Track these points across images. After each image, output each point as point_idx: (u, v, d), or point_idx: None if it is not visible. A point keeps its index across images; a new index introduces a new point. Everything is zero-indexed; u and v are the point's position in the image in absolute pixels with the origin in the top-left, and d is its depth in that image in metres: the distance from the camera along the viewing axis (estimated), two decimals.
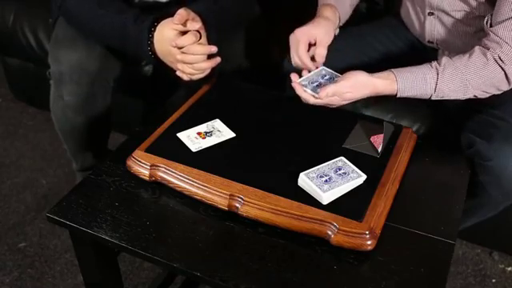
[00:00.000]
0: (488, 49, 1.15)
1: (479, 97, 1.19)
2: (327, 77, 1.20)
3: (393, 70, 1.17)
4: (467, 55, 1.16)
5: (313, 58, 1.22)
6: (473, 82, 1.15)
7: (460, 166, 1.17)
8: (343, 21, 1.33)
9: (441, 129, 1.43)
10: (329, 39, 1.24)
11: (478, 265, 1.62)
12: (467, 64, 1.14)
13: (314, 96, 1.16)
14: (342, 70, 1.24)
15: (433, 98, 1.18)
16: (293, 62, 1.23)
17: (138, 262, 1.56)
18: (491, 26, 1.17)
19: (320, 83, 1.18)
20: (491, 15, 1.18)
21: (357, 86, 1.15)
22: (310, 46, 1.23)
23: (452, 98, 1.18)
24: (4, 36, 1.88)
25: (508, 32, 1.13)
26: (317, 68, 1.22)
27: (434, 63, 1.16)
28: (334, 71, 1.22)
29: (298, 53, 1.21)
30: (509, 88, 1.18)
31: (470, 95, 1.18)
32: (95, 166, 1.22)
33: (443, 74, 1.14)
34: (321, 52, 1.21)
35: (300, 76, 1.21)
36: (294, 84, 1.18)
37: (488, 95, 1.19)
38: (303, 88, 1.17)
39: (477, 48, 1.16)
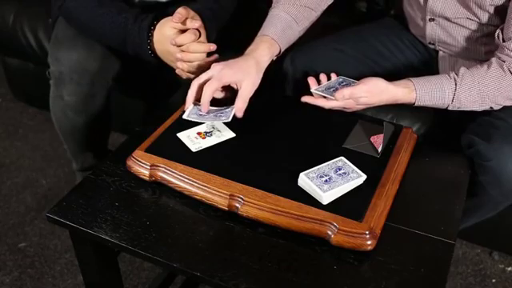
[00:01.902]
0: (504, 61, 1.16)
1: (494, 109, 1.19)
2: (344, 83, 1.19)
3: (411, 78, 1.16)
4: (485, 67, 1.16)
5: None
6: (490, 94, 1.15)
7: (460, 166, 1.17)
8: (279, 54, 1.23)
9: (441, 129, 1.43)
10: (252, 90, 1.12)
11: (478, 265, 1.62)
12: (485, 76, 1.15)
13: (329, 98, 1.14)
14: (342, 71, 1.24)
15: (449, 108, 1.18)
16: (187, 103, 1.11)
17: (138, 261, 1.56)
18: (503, 40, 1.17)
19: (336, 88, 1.17)
20: (501, 30, 1.18)
21: (374, 91, 1.14)
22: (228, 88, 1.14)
23: (468, 108, 1.18)
24: (4, 36, 1.88)
25: None
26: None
27: (452, 73, 1.16)
28: (352, 78, 1.20)
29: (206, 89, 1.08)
30: None
31: (486, 107, 1.18)
32: (95, 166, 1.22)
33: (461, 84, 1.15)
34: (242, 106, 1.09)
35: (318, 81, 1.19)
36: (305, 98, 1.15)
37: (500, 107, 1.19)
38: (315, 95, 1.16)
39: (494, 60, 1.17)
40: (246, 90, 1.10)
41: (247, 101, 1.10)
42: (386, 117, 1.41)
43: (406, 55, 1.46)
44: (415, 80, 1.16)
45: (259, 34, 1.20)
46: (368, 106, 1.17)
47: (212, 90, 1.08)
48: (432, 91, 1.15)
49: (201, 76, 1.11)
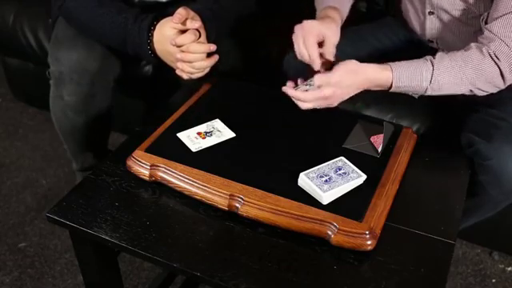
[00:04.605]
0: (483, 45, 1.15)
1: (476, 93, 1.18)
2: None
3: (388, 63, 1.15)
4: (463, 50, 1.15)
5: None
6: (468, 76, 1.13)
7: (460, 166, 1.17)
8: (343, 21, 1.32)
9: (441, 129, 1.43)
10: (337, 39, 1.20)
11: (478, 265, 1.62)
12: (463, 57, 1.14)
13: (306, 90, 1.12)
14: None
15: (428, 92, 1.16)
16: (298, 55, 1.18)
17: (138, 261, 1.56)
18: (486, 23, 1.17)
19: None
20: (488, 13, 1.18)
21: (347, 72, 1.12)
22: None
23: (448, 92, 1.17)
24: (4, 36, 1.88)
25: (502, 28, 1.12)
26: (323, 64, 1.17)
27: (429, 57, 1.15)
28: None
29: (307, 43, 1.15)
30: (504, 86, 1.17)
31: (465, 90, 1.16)
32: (95, 166, 1.22)
33: (439, 65, 1.13)
34: (331, 50, 1.18)
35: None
36: (285, 88, 1.14)
37: (484, 93, 1.18)
38: (294, 89, 1.14)
39: (473, 44, 1.16)
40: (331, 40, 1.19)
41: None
42: (385, 117, 1.41)
43: (406, 54, 1.46)
44: (392, 63, 1.14)
45: (320, 7, 1.28)
46: (347, 96, 1.14)
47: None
48: (410, 72, 1.13)
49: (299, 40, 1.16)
